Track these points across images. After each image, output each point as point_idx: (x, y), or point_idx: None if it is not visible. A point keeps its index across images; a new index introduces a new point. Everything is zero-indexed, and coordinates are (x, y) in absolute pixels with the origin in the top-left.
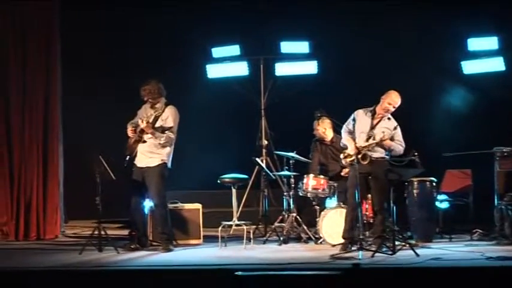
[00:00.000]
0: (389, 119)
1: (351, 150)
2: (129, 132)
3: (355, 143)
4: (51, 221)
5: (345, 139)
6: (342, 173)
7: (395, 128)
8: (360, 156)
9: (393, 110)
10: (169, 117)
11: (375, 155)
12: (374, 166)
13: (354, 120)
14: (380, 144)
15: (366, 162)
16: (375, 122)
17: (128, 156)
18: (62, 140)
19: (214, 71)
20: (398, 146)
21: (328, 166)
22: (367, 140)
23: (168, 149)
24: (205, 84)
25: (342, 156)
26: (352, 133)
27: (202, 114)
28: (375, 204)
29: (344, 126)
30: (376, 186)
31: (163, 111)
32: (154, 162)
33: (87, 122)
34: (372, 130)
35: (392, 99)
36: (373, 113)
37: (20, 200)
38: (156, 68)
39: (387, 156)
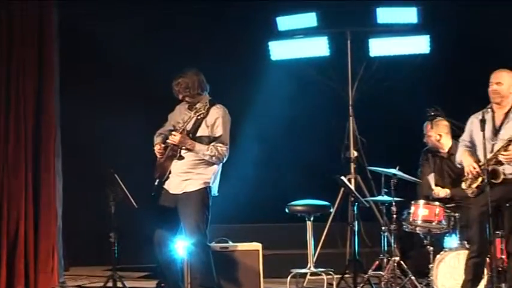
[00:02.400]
0: None
1: (470, 168)
2: (157, 151)
3: (474, 159)
4: (45, 269)
5: (460, 154)
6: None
7: None
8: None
9: (504, 88)
10: (216, 121)
11: (507, 170)
12: (507, 188)
13: (470, 130)
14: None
15: (499, 181)
16: (499, 121)
17: (158, 180)
18: (61, 155)
19: (280, 51)
20: None
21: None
22: (492, 149)
23: (215, 168)
24: (267, 69)
25: (464, 185)
26: (471, 148)
27: (262, 114)
28: (510, 243)
29: (460, 139)
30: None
31: (207, 114)
32: (193, 186)
33: (98, 131)
34: (499, 132)
35: (496, 77)
36: (493, 112)
37: (2, 240)
38: (193, 52)
39: None
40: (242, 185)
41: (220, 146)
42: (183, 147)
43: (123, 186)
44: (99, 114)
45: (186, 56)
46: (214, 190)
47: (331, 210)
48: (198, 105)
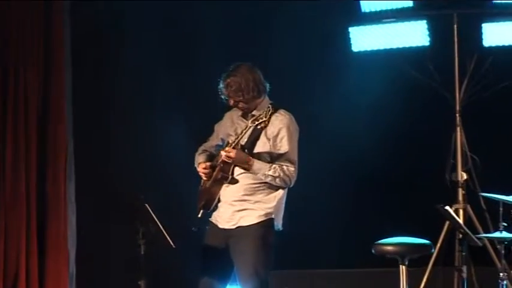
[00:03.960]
0: None
1: None
2: (201, 171)
3: None
4: None
5: None
6: None
7: None
8: None
9: None
10: (280, 132)
11: None
12: None
13: None
14: None
15: None
16: None
17: (202, 211)
18: (74, 179)
19: (363, 40)
20: None
21: None
22: None
23: (280, 193)
24: (346, 63)
25: None
26: None
27: (339, 122)
28: None
29: None
30: None
31: (268, 123)
32: (250, 218)
33: (122, 147)
34: None
35: None
36: None
37: None
38: (247, 40)
39: None
40: (313, 216)
41: (286, 165)
42: (238, 167)
43: (156, 219)
44: (122, 126)
45: (237, 46)
46: (279, 223)
47: (433, 250)
48: (255, 112)
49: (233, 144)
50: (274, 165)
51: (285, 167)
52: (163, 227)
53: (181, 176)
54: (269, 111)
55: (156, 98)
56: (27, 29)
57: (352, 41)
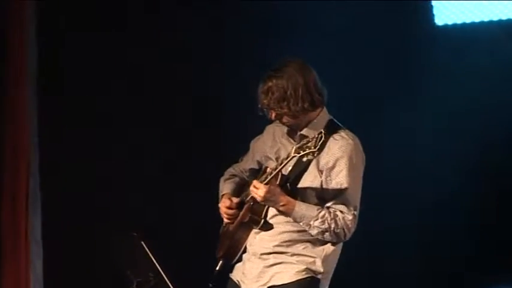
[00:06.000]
0: None
1: None
2: (224, 210)
3: None
4: None
5: None
6: None
7: None
8: None
9: None
10: (337, 164)
11: None
12: None
13: None
14: None
15: None
16: None
17: (222, 262)
18: (40, 211)
19: (450, 10)
20: None
21: None
22: None
23: (331, 247)
24: (427, 42)
25: None
26: None
27: (420, 127)
28: None
29: None
30: None
31: (322, 146)
32: (287, 275)
33: (108, 167)
34: None
35: None
36: None
37: None
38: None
39: None
40: (380, 258)
41: (341, 211)
42: (274, 207)
43: (156, 263)
44: (109, 135)
45: (282, 33)
46: (327, 278)
47: None
48: (306, 132)
49: (272, 173)
50: (323, 212)
51: (339, 215)
52: (166, 275)
53: (193, 205)
54: (320, 137)
55: (147, 98)
56: None
57: (435, 12)
